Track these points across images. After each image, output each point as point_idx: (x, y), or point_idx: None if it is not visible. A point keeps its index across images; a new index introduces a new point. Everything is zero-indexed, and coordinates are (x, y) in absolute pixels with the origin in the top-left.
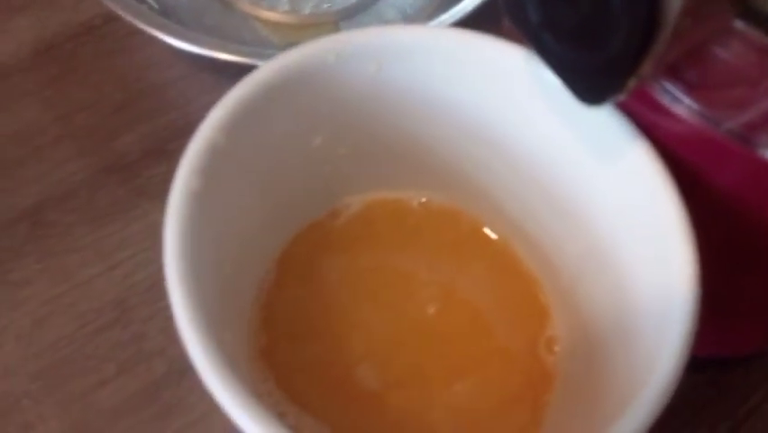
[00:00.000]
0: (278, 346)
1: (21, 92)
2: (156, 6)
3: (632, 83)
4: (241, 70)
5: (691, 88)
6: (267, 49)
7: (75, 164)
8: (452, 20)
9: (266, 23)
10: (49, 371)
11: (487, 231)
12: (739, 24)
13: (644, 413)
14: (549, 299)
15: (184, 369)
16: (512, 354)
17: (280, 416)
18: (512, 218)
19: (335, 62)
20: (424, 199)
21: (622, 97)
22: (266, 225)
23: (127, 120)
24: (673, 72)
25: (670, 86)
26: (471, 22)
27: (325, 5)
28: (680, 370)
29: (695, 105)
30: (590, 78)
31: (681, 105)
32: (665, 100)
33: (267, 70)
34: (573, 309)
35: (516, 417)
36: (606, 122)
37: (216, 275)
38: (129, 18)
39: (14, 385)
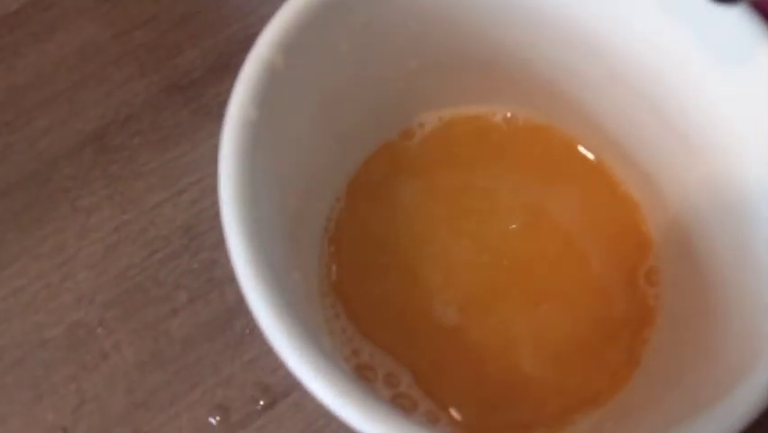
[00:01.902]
0: (351, 281)
1: (78, 9)
2: None
3: None
4: None
5: None
6: None
7: (136, 84)
8: None
9: None
10: (121, 299)
11: (581, 149)
12: None
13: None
14: (651, 227)
15: None
16: (607, 284)
17: (353, 354)
18: (611, 137)
19: None
20: (509, 114)
21: None
22: (333, 149)
23: (188, 35)
24: None
25: None
26: None
27: None
28: None
29: None
30: None
31: None
32: None
33: None
34: (680, 241)
35: (611, 354)
36: (737, 25)
37: (281, 211)
38: None
39: (89, 314)
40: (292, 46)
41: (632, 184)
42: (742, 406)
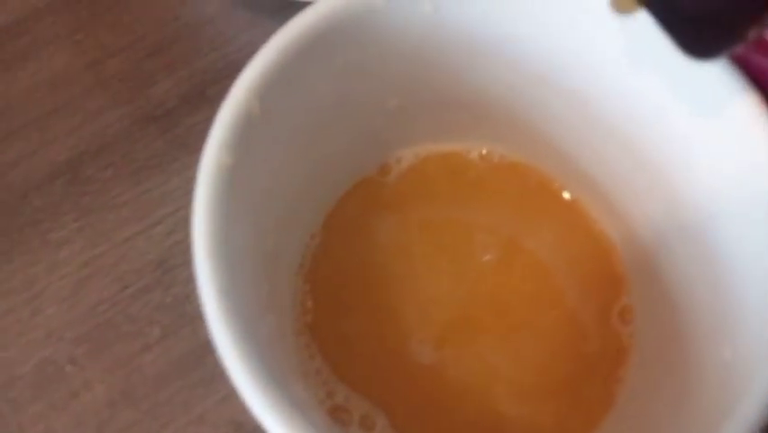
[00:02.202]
0: (326, 319)
1: (50, 37)
2: None
3: (755, 33)
4: (279, 6)
5: None
6: None
7: (110, 115)
8: None
9: None
10: (92, 335)
11: (556, 187)
12: None
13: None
14: (625, 265)
15: None
16: (582, 321)
17: (328, 396)
18: (585, 174)
19: (385, 5)
20: (484, 151)
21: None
22: (310, 187)
23: (162, 65)
24: None
25: None
26: None
27: None
28: None
29: None
30: (703, 26)
31: None
32: None
33: (305, 20)
34: (654, 279)
35: (585, 393)
36: (709, 72)
37: (255, 252)
38: None
39: (58, 351)
40: (269, 91)
41: (606, 222)
42: None
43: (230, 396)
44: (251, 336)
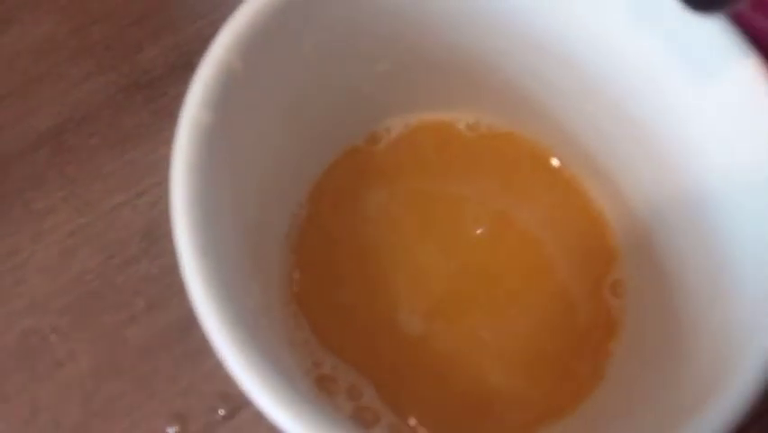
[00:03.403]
0: (313, 290)
1: (34, 2)
2: None
3: None
4: None
5: None
6: None
7: (94, 82)
8: None
9: None
10: (76, 305)
11: (547, 157)
12: None
13: (732, 407)
14: (617, 238)
15: None
16: (573, 294)
17: (315, 366)
18: (580, 146)
19: None
20: (472, 121)
21: (736, 9)
22: (296, 154)
23: (149, 31)
24: None
25: None
26: None
27: None
28: None
29: None
30: None
31: None
32: None
33: None
34: (647, 254)
35: (575, 366)
36: (709, 34)
37: (238, 219)
38: None
39: (42, 320)
40: (251, 48)
41: (600, 194)
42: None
43: (217, 368)
44: (233, 302)
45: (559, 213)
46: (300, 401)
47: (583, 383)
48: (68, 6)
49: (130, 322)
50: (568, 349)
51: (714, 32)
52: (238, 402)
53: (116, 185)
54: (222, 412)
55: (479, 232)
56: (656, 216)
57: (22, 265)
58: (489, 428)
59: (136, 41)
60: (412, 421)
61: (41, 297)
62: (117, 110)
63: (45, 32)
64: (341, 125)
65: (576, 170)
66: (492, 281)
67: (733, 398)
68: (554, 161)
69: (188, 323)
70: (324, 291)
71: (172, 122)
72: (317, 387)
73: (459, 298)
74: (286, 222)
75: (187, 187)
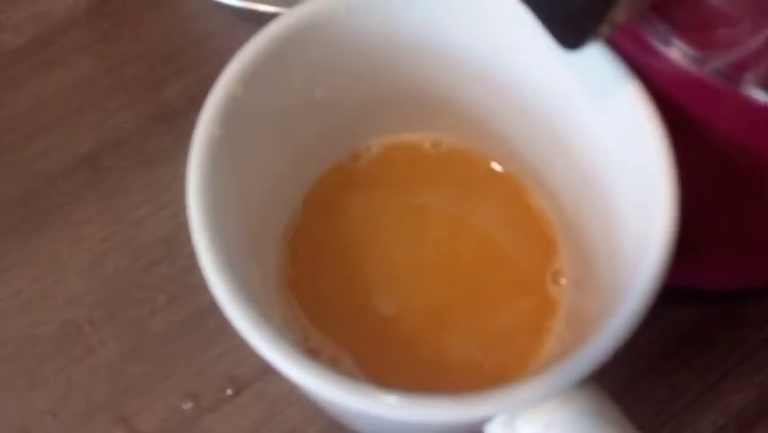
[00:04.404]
0: (304, 277)
1: (75, 46)
2: None
3: (605, 29)
4: None
5: (679, 29)
6: None
7: (126, 113)
8: None
9: None
10: (107, 300)
11: (496, 168)
12: None
13: (611, 339)
14: (556, 234)
15: None
16: (521, 285)
17: (304, 339)
18: (520, 155)
19: (345, 13)
20: (435, 141)
21: (597, 42)
22: (290, 167)
23: (173, 70)
24: (661, 12)
25: (658, 26)
26: None
27: None
28: (651, 296)
29: (682, 46)
30: (567, 23)
31: (669, 45)
32: (654, 40)
33: (280, 24)
34: (577, 244)
35: (520, 342)
36: (599, 62)
37: (243, 215)
38: None
39: (78, 313)
40: (251, 78)
41: (539, 195)
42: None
43: (225, 354)
44: (239, 285)
45: (508, 214)
46: (293, 349)
47: (527, 353)
48: (104, 49)
49: (152, 315)
50: (516, 326)
51: (604, 62)
52: (243, 383)
53: (142, 199)
54: (229, 392)
55: (442, 231)
56: (578, 210)
57: (63, 267)
58: (450, 391)
59: (162, 79)
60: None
61: (78, 293)
62: (144, 137)
63: (84, 71)
64: (328, 144)
65: (521, 178)
66: (453, 271)
67: (628, 311)
68: (501, 170)
69: (202, 316)
70: (313, 279)
71: (190, 147)
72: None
73: (425, 284)
74: (283, 223)
75: (200, 185)
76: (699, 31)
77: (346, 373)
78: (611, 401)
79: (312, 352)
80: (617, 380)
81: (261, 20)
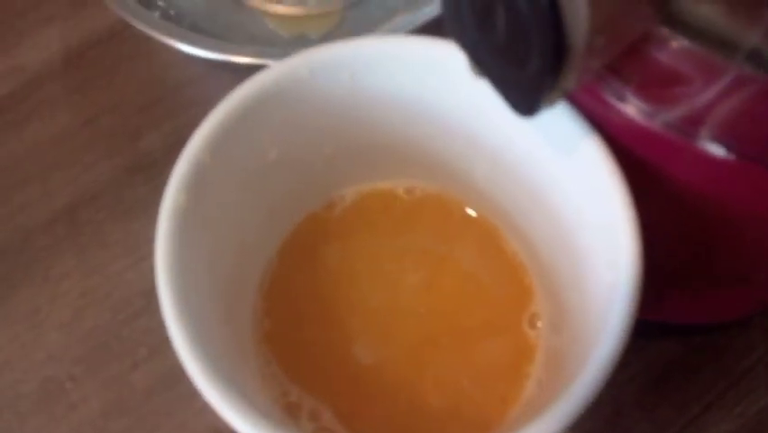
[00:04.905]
0: (281, 330)
1: (51, 99)
2: (171, 12)
3: (556, 96)
4: (254, 68)
5: (632, 85)
6: (274, 47)
7: (102, 166)
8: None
9: (273, 17)
10: (88, 356)
11: (470, 213)
12: (664, 31)
13: (588, 384)
14: (531, 278)
15: None
16: (497, 329)
17: (283, 394)
18: (493, 201)
19: (310, 76)
20: (408, 187)
21: (550, 108)
22: (263, 221)
23: (150, 120)
24: (615, 70)
25: (613, 83)
26: None
27: None
28: (623, 339)
29: (636, 101)
30: (520, 92)
31: (624, 101)
32: (610, 96)
33: (245, 91)
34: (551, 288)
35: (499, 387)
36: (561, 119)
37: (214, 276)
38: (140, 26)
39: (59, 370)
40: (217, 145)
41: (514, 241)
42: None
43: (208, 407)
44: (209, 351)
45: (483, 258)
46: (269, 424)
47: (508, 398)
48: (80, 101)
49: (133, 368)
50: (494, 371)
51: (566, 120)
52: None
53: (121, 252)
54: None
55: (418, 277)
56: (550, 256)
57: (41, 323)
58: None
59: (137, 129)
60: None
61: (58, 350)
62: (121, 188)
63: (61, 124)
64: (301, 196)
65: (495, 223)
66: (430, 317)
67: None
68: (475, 215)
69: (183, 368)
70: (291, 331)
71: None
72: (284, 412)
73: (404, 330)
74: (258, 275)
75: (168, 255)
76: (651, 87)
77: (325, 430)
78: None
79: (291, 407)
80: (601, 417)
81: (236, 69)
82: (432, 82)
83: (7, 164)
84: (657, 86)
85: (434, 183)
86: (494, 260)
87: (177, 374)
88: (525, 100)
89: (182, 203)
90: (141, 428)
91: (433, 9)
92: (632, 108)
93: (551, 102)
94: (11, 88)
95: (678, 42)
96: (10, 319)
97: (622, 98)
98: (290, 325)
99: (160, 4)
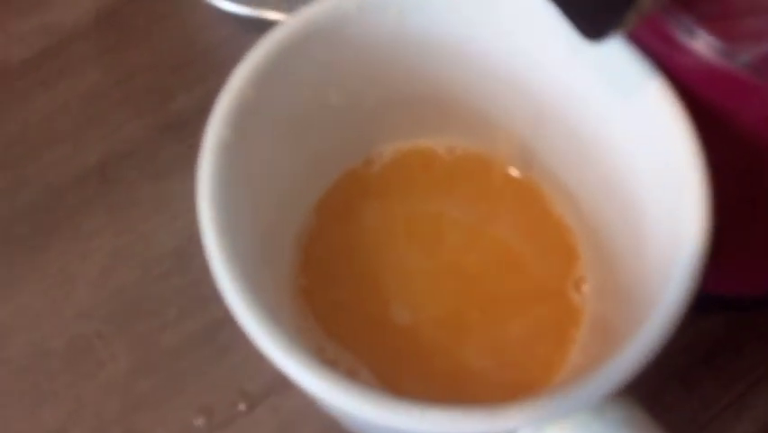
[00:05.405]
0: (318, 286)
1: (83, 58)
2: None
3: (632, 18)
4: None
5: (705, 20)
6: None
7: (134, 125)
8: None
9: None
10: (117, 314)
11: (513, 172)
12: None
13: (642, 350)
14: (577, 240)
15: None
16: (541, 293)
17: (319, 350)
18: (538, 158)
19: (357, 13)
20: (449, 145)
21: (623, 32)
22: (302, 173)
23: (182, 81)
24: (686, 3)
25: (683, 18)
26: None
27: None
28: (684, 304)
29: (709, 38)
30: (591, 12)
31: (695, 37)
32: (679, 33)
33: (290, 25)
34: (599, 250)
35: (543, 352)
36: (621, 58)
37: (255, 221)
38: None
39: (88, 327)
40: (262, 80)
41: (559, 201)
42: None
43: (237, 367)
44: (251, 286)
45: (526, 220)
46: (309, 359)
47: (552, 363)
48: (112, 61)
49: (163, 328)
50: (537, 336)
51: (626, 60)
52: (256, 397)
53: (152, 210)
54: (242, 407)
55: (459, 238)
56: (599, 214)
57: (72, 280)
58: (467, 403)
59: (170, 90)
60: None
61: (88, 307)
62: (153, 148)
63: (92, 83)
64: (340, 150)
65: (539, 183)
66: (470, 279)
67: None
68: (520, 176)
69: (213, 328)
70: (327, 288)
71: (199, 157)
72: None
73: (442, 293)
74: (295, 230)
75: (212, 193)
76: (726, 22)
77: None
78: (644, 412)
79: (328, 363)
80: (643, 391)
81: (269, 29)
82: (483, 24)
83: (38, 121)
84: (733, 19)
85: (476, 142)
86: (538, 221)
87: (206, 335)
88: (597, 20)
89: (226, 137)
90: (168, 388)
91: None
92: (703, 46)
93: (625, 24)
94: (42, 46)
95: None
96: (40, 276)
97: (692, 34)
98: (326, 281)
99: None
